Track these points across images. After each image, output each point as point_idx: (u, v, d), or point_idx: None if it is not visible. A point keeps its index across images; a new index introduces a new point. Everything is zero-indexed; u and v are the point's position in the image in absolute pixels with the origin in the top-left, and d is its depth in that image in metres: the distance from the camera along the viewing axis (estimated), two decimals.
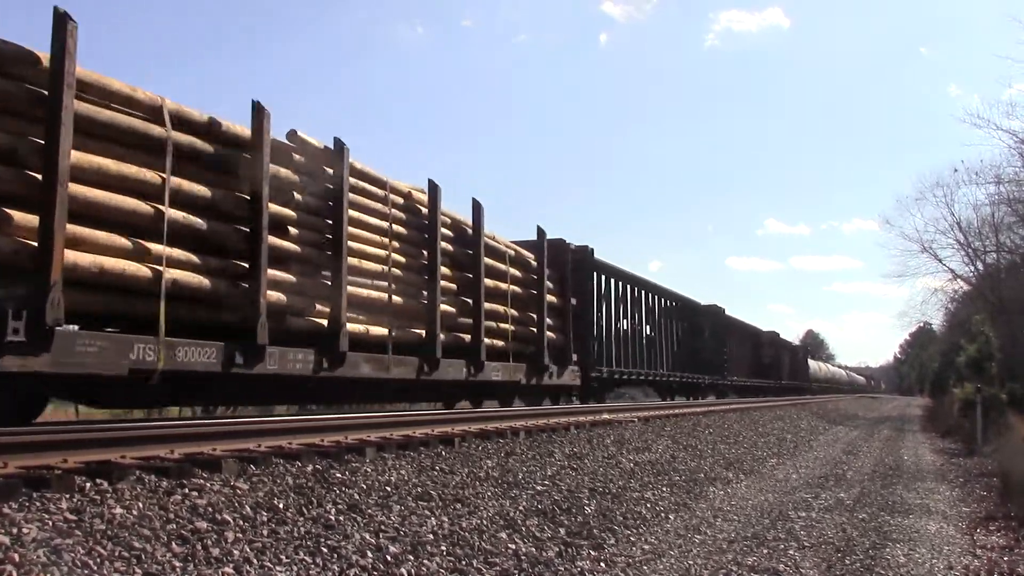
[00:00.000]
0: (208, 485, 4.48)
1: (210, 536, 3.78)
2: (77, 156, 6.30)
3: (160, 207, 7.06)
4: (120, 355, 6.45)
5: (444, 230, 11.54)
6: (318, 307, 9.05)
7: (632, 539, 5.86)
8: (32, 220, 5.99)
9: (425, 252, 11.16)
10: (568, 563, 4.96)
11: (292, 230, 8.83)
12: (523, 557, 4.82)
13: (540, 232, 15.08)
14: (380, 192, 10.39)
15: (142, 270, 6.88)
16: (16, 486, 3.78)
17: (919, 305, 41.06)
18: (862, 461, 13.47)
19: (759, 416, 19.16)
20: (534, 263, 14.70)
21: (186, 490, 4.31)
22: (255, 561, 3.69)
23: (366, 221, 10.01)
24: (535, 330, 14.32)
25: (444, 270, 11.46)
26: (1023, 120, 45.63)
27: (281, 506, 4.43)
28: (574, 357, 15.89)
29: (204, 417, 10.17)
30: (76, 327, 6.53)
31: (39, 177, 6.06)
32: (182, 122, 7.54)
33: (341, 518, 4.52)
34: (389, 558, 4.19)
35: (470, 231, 12.40)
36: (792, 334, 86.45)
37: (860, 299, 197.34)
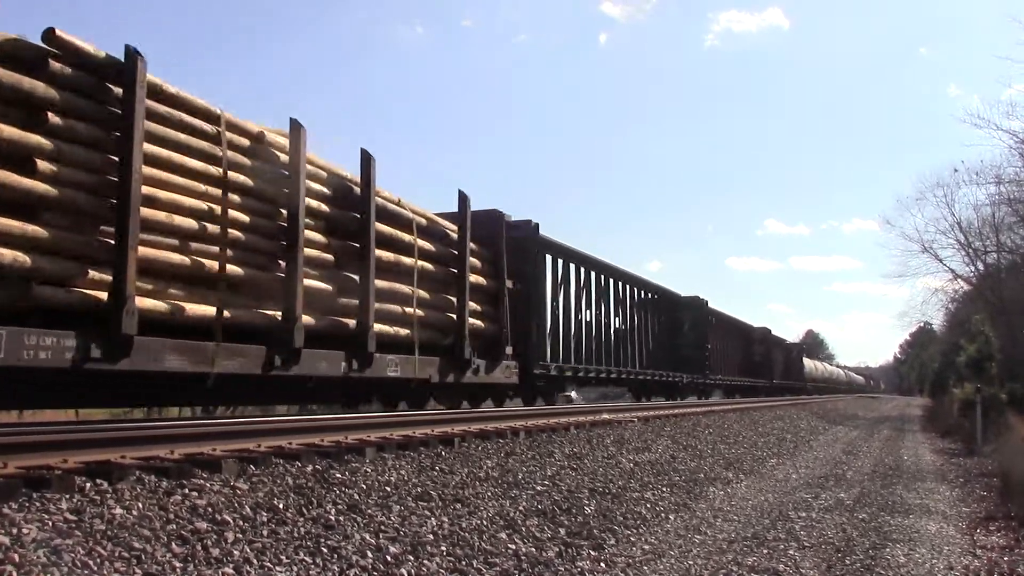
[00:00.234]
0: (208, 485, 4.48)
1: (210, 536, 3.79)
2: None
3: None
4: None
5: (314, 184, 9.00)
6: (92, 274, 6.44)
7: (632, 539, 5.86)
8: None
9: (284, 211, 8.48)
10: (568, 563, 4.96)
11: (44, 165, 6.07)
12: (523, 557, 4.83)
13: (462, 199, 12.00)
14: (207, 128, 7.81)
15: None
16: (16, 486, 3.78)
17: (919, 305, 41.16)
18: (862, 461, 13.48)
19: (759, 416, 19.16)
20: (454, 236, 11.96)
21: (186, 490, 4.32)
22: (255, 561, 3.69)
23: (177, 162, 7.39)
24: (454, 317, 11.63)
25: (313, 235, 8.86)
26: (1023, 120, 45.66)
27: (281, 506, 4.43)
28: (509, 350, 13.18)
29: (204, 417, 10.16)
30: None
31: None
32: None
33: (341, 518, 4.52)
34: (389, 558, 4.19)
35: (357, 189, 9.68)
36: (792, 334, 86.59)
37: (860, 299, 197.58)
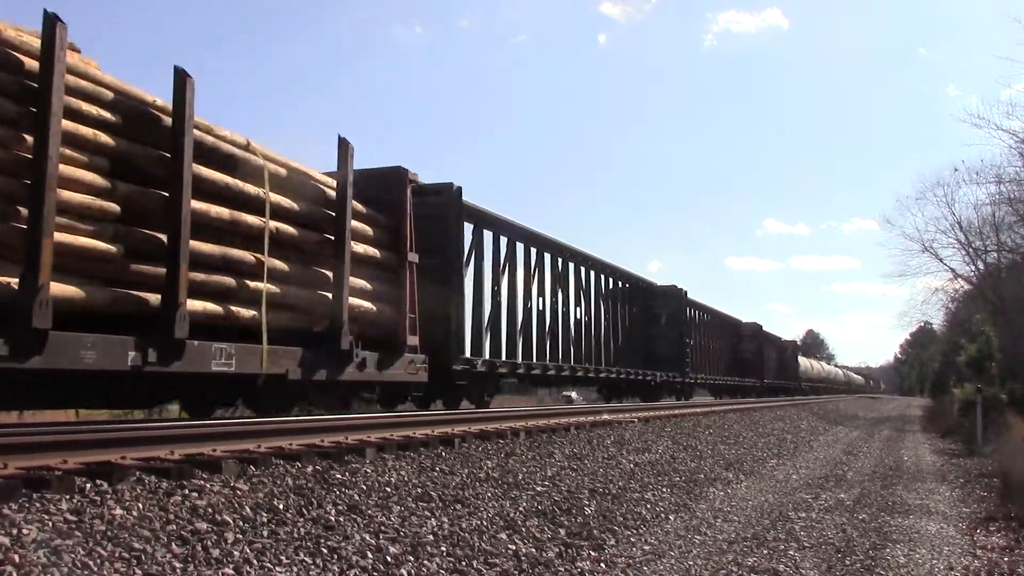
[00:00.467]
0: (208, 486, 4.48)
1: (210, 537, 3.79)
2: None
3: None
4: None
5: (86, 105, 6.47)
6: None
7: (632, 540, 5.86)
8: None
9: (27, 137, 5.93)
10: (568, 564, 4.96)
11: None
12: (523, 558, 4.83)
13: (342, 146, 9.18)
14: None
15: None
16: (16, 487, 3.78)
17: (919, 305, 40.96)
18: (862, 461, 13.48)
19: (759, 416, 19.17)
20: (331, 193, 9.29)
21: (186, 491, 4.32)
22: (255, 562, 3.70)
23: None
24: (329, 295, 8.96)
25: (83, 175, 6.34)
26: (1023, 120, 45.65)
27: (281, 507, 4.43)
28: (414, 341, 10.41)
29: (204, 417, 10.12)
30: None
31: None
32: None
33: (341, 519, 4.53)
34: (389, 559, 4.19)
35: (166, 119, 7.16)
36: (792, 334, 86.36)
37: (859, 299, 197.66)
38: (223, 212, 7.74)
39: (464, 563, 4.47)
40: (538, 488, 6.46)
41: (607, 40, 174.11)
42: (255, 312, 7.92)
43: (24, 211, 5.83)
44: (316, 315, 8.93)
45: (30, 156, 5.91)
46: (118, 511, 3.78)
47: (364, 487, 5.21)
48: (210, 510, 4.10)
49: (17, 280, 5.69)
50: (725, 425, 15.13)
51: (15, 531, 3.31)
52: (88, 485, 4.06)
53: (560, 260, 17.51)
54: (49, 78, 5.91)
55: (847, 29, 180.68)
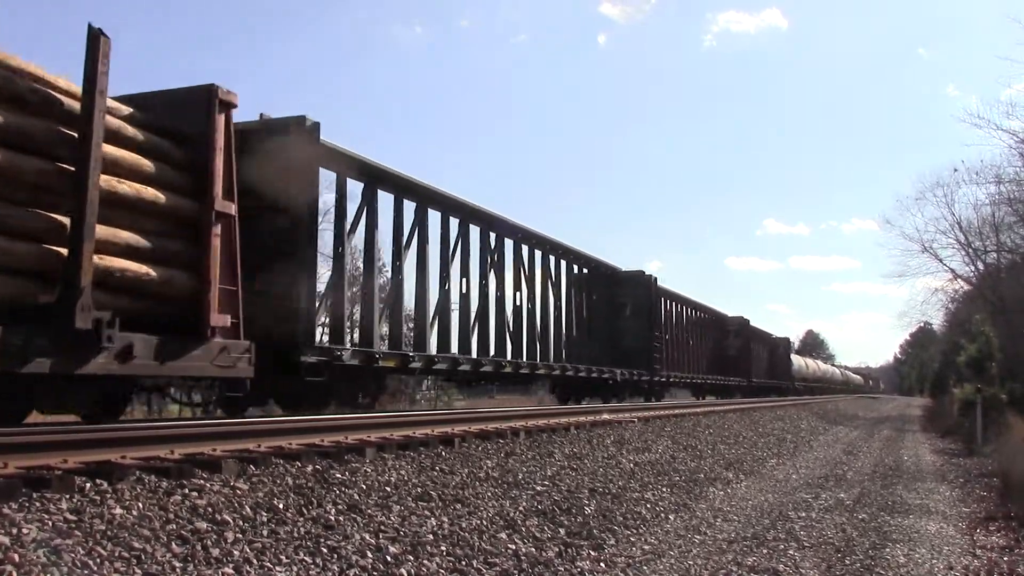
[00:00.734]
0: (208, 485, 4.48)
1: (210, 536, 3.79)
2: None
3: None
4: None
5: None
6: None
7: (632, 539, 5.86)
8: None
9: None
10: (568, 563, 4.96)
11: None
12: (523, 557, 4.83)
13: (93, 41, 6.42)
14: None
15: None
16: (16, 486, 3.78)
17: (919, 305, 40.97)
18: (862, 461, 13.48)
19: (759, 416, 19.18)
20: (74, 106, 6.51)
21: (186, 490, 4.32)
22: (255, 561, 3.70)
23: None
24: (62, 251, 6.31)
25: None
26: (1023, 120, 45.69)
27: (281, 506, 4.43)
28: (221, 320, 7.63)
29: (204, 417, 10.12)
30: None
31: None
32: None
33: (341, 518, 4.53)
34: (389, 558, 4.19)
35: None
36: (792, 334, 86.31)
37: (859, 299, 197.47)
38: None
39: (464, 563, 4.47)
40: (538, 488, 6.46)
41: (607, 40, 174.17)
42: None
43: None
44: (39, 279, 6.32)
45: None
46: (118, 510, 3.78)
47: (364, 486, 5.21)
48: (210, 509, 4.10)
49: None
50: (725, 425, 15.14)
51: (15, 530, 3.31)
52: (88, 484, 4.06)
53: (493, 236, 14.83)
54: None
55: (847, 29, 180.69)
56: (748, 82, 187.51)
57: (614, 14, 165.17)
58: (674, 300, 26.83)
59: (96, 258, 6.46)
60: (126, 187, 7.00)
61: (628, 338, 21.37)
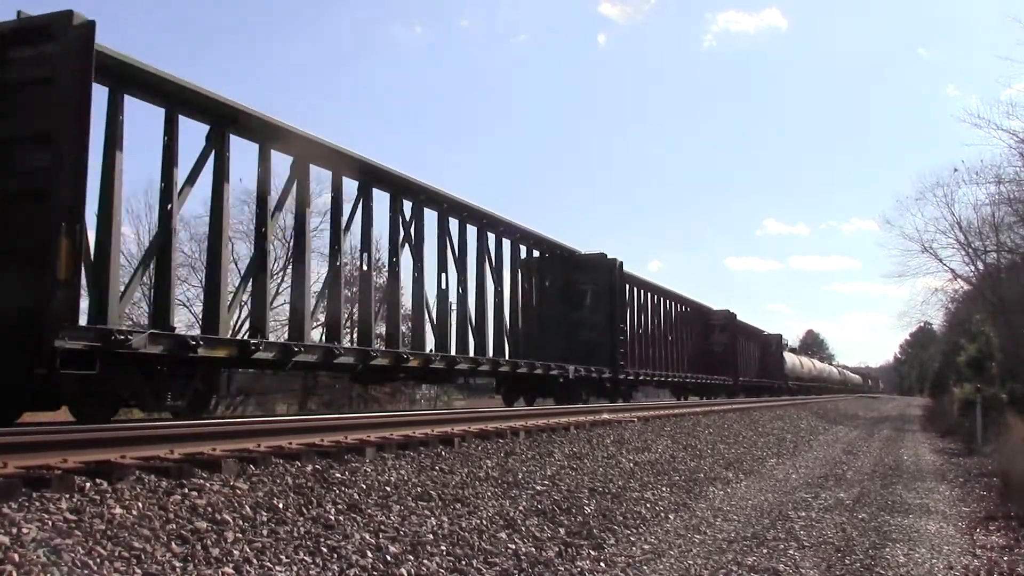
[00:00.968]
0: (208, 485, 4.48)
1: (210, 536, 3.79)
2: None
3: None
4: None
5: None
6: None
7: (632, 539, 5.86)
8: None
9: None
10: (568, 563, 4.96)
11: None
12: (523, 557, 4.83)
13: None
14: None
15: None
16: (16, 486, 3.78)
17: (919, 305, 40.97)
18: (862, 461, 13.48)
19: (759, 416, 19.19)
20: None
21: (186, 490, 4.32)
22: (255, 561, 3.70)
23: None
24: None
25: None
26: (1023, 120, 45.69)
27: (281, 506, 4.43)
28: None
29: (204, 417, 10.12)
30: None
31: None
32: None
33: (341, 518, 4.53)
34: (389, 558, 4.19)
35: None
36: (792, 334, 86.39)
37: (859, 299, 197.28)
38: None
39: (464, 562, 4.47)
40: (538, 487, 6.46)
41: (607, 40, 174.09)
42: None
43: None
44: None
45: None
46: (118, 510, 3.78)
47: (364, 486, 5.21)
48: (210, 509, 4.10)
49: None
50: (725, 425, 15.14)
51: (15, 530, 3.31)
52: (88, 484, 4.06)
53: (409, 205, 12.35)
54: None
55: (846, 29, 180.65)
56: (748, 82, 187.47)
57: (614, 14, 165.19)
58: (645, 288, 23.53)
59: None
60: None
61: (586, 330, 18.68)
